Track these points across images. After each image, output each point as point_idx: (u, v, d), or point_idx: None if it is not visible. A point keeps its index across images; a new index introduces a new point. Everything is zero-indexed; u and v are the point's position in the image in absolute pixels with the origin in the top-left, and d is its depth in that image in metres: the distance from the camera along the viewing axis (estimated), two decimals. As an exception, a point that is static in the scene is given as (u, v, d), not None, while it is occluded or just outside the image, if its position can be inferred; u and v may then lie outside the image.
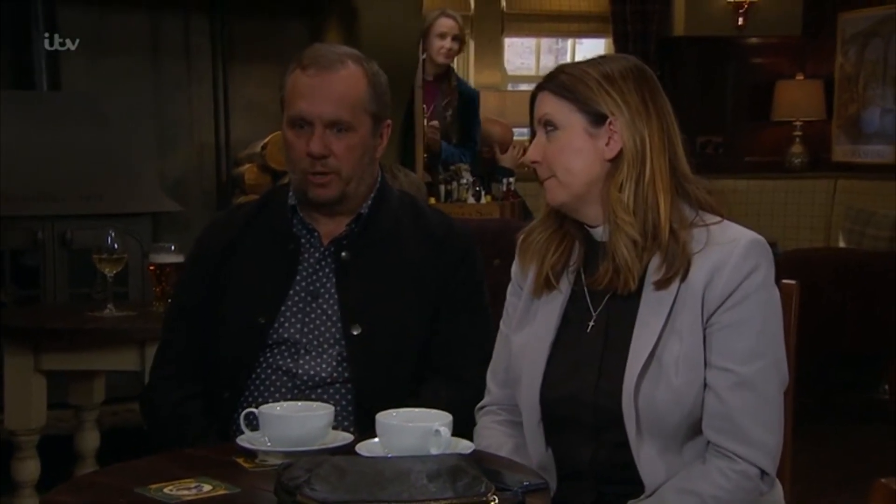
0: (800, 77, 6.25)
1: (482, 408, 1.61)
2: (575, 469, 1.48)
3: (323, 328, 1.70)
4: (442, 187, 4.97)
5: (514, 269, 1.60)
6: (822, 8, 6.24)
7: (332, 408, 1.46)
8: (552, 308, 1.51)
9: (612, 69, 1.48)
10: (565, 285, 1.52)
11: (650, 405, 1.41)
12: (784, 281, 1.73)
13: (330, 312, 1.71)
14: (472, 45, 7.13)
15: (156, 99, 3.97)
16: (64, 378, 2.85)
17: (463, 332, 1.74)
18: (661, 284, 1.43)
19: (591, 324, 1.49)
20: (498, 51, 7.26)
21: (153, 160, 3.89)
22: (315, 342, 1.69)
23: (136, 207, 3.47)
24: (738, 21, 6.37)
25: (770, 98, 6.23)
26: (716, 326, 1.42)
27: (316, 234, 1.75)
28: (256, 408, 1.45)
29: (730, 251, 1.42)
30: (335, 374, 1.68)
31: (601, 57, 1.55)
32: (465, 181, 4.95)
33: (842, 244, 5.50)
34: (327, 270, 1.73)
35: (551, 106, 1.49)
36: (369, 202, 1.77)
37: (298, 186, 1.73)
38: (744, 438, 1.40)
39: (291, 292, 1.72)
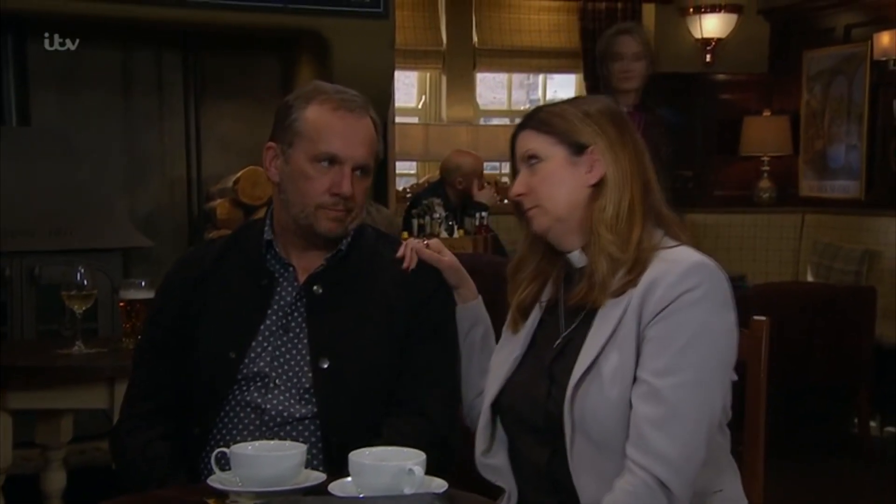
0: (767, 113, 6.35)
1: None
2: (535, 472, 1.54)
3: (293, 362, 1.70)
4: (415, 221, 4.99)
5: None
6: (788, 46, 6.35)
7: (304, 447, 1.45)
8: (522, 334, 1.61)
9: (588, 107, 1.59)
10: (536, 315, 1.62)
11: (585, 414, 1.46)
12: (755, 318, 1.76)
13: (300, 346, 1.71)
14: (444, 79, 7.18)
15: (127, 134, 3.96)
16: (31, 416, 2.81)
17: (429, 366, 1.73)
18: (615, 295, 1.49)
19: (559, 341, 1.56)
20: (470, 85, 7.32)
21: (124, 195, 3.87)
22: (284, 377, 1.69)
23: (106, 243, 3.45)
24: (706, 58, 6.48)
25: (738, 133, 6.31)
26: (645, 340, 1.46)
27: (291, 268, 1.75)
28: (226, 446, 1.44)
29: (669, 269, 1.48)
30: (304, 411, 1.67)
31: (576, 98, 1.69)
32: (437, 215, 4.97)
33: (810, 278, 5.56)
34: (299, 305, 1.73)
35: (533, 141, 1.58)
36: (348, 238, 1.78)
37: (305, 220, 1.72)
38: (644, 447, 1.42)
39: (262, 327, 1.72)
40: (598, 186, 1.54)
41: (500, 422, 1.60)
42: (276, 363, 1.70)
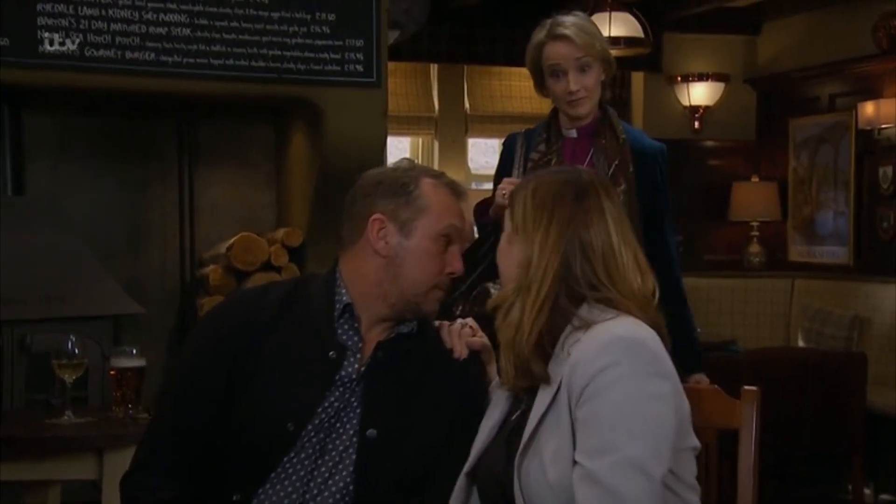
0: (755, 179, 6.42)
1: None
2: None
3: (342, 430, 1.65)
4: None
5: None
6: (774, 114, 6.45)
7: None
8: (504, 396, 1.63)
9: (542, 182, 1.60)
10: None
11: (531, 494, 1.46)
12: (745, 388, 1.77)
13: (353, 415, 1.66)
14: (436, 145, 7.26)
15: (120, 201, 3.98)
16: (18, 486, 2.78)
17: (462, 451, 1.66)
18: (543, 379, 1.50)
19: (517, 413, 1.57)
20: (462, 151, 7.39)
21: (116, 262, 3.87)
22: (332, 445, 1.64)
23: (97, 310, 3.44)
24: (694, 125, 6.57)
25: (727, 199, 6.38)
26: (576, 421, 1.45)
27: (361, 343, 1.69)
28: None
29: (588, 347, 1.47)
30: (346, 481, 1.62)
31: (550, 169, 1.67)
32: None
33: (801, 343, 5.57)
34: (358, 368, 1.68)
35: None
36: None
37: (414, 297, 1.69)
38: None
39: (326, 404, 1.65)
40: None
41: (477, 491, 1.60)
42: (333, 434, 1.65)
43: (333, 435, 1.65)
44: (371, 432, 1.64)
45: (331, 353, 1.67)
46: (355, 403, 1.66)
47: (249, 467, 1.62)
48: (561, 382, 1.47)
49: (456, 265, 1.71)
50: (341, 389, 1.67)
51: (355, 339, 1.69)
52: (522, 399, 1.59)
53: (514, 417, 1.58)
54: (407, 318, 1.71)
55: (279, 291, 1.75)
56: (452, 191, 1.73)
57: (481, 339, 1.76)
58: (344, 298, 1.70)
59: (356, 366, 1.68)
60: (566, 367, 1.47)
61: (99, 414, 2.68)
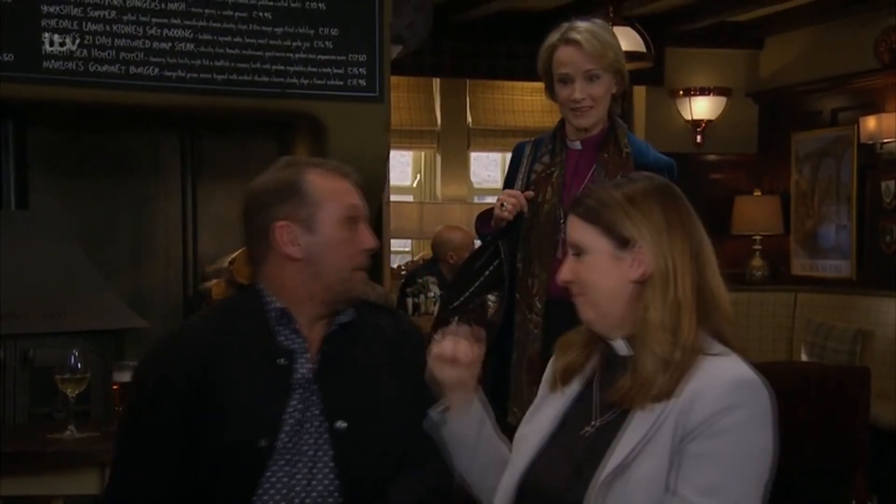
0: (757, 193, 6.42)
1: None
2: None
3: (312, 430, 1.67)
4: (409, 300, 5.00)
5: (549, 364, 1.66)
6: (776, 128, 6.46)
7: None
8: (557, 406, 1.58)
9: (635, 190, 1.55)
10: (575, 387, 1.58)
11: None
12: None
13: (318, 412, 1.68)
14: (438, 158, 7.27)
15: (123, 215, 3.99)
16: (20, 501, 2.78)
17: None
18: (655, 399, 1.46)
19: (589, 429, 1.52)
20: (464, 164, 7.41)
21: (119, 276, 3.88)
22: (305, 447, 1.66)
23: (100, 324, 3.44)
24: (696, 139, 6.58)
25: (729, 212, 6.38)
26: (685, 454, 1.44)
27: (306, 343, 1.72)
28: None
29: (713, 383, 1.45)
30: (326, 482, 1.65)
31: (624, 177, 1.64)
32: (432, 294, 4.98)
33: (804, 357, 5.56)
34: (309, 368, 1.71)
35: (579, 231, 1.56)
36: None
37: (341, 286, 1.71)
38: None
39: (290, 409, 1.68)
40: (643, 282, 1.51)
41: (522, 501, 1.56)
42: (302, 439, 1.67)
43: (305, 438, 1.67)
44: (340, 424, 1.66)
45: (279, 360, 1.69)
46: (317, 401, 1.68)
47: (229, 492, 1.64)
48: (667, 409, 1.45)
49: (369, 241, 1.73)
50: (300, 392, 1.69)
51: (299, 340, 1.72)
52: (592, 413, 1.54)
53: (585, 433, 1.53)
54: (340, 307, 1.74)
55: (213, 318, 1.78)
56: (339, 173, 1.75)
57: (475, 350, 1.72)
58: (275, 304, 1.72)
59: (308, 366, 1.70)
60: (682, 397, 1.44)
61: (101, 428, 2.68)
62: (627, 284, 1.52)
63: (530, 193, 2.48)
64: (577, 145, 2.54)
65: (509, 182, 2.61)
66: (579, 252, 1.56)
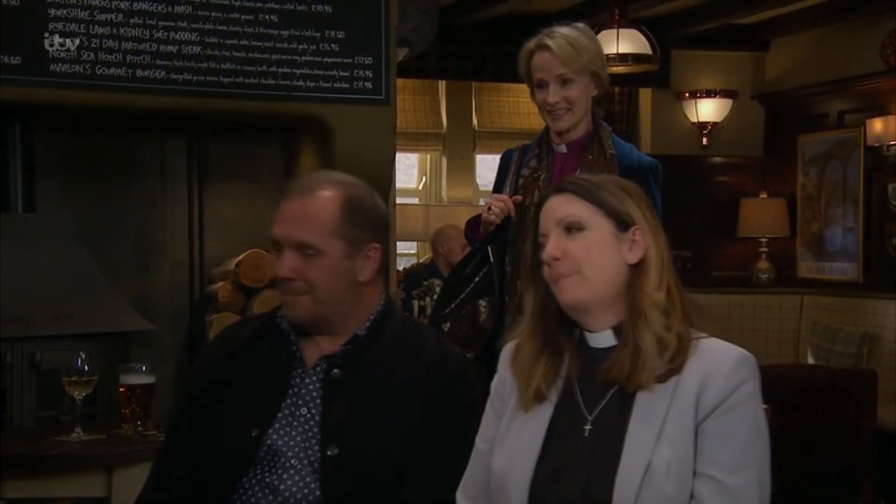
0: (763, 195, 6.42)
1: None
2: None
3: (305, 444, 1.69)
4: (415, 303, 5.00)
5: (496, 382, 1.60)
6: (782, 130, 6.45)
7: None
8: (540, 419, 1.52)
9: (625, 184, 1.57)
10: (554, 395, 1.53)
11: None
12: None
13: (316, 430, 1.69)
14: (444, 161, 7.27)
15: (129, 217, 3.99)
16: (27, 504, 2.78)
17: (438, 457, 1.68)
18: (660, 380, 1.45)
19: (588, 427, 1.49)
20: (470, 167, 7.41)
21: (125, 279, 3.88)
22: (298, 457, 1.68)
23: (106, 327, 3.45)
24: (702, 141, 6.57)
25: (735, 215, 6.37)
26: (704, 434, 1.44)
27: (299, 354, 1.76)
28: None
29: (721, 361, 1.46)
30: (317, 494, 1.66)
31: (603, 176, 1.64)
32: (437, 295, 4.98)
33: (810, 360, 5.55)
34: (319, 386, 1.72)
35: (576, 207, 1.52)
36: (368, 324, 1.75)
37: (284, 311, 1.78)
38: None
39: (283, 405, 1.71)
40: (637, 266, 1.51)
41: None
42: (292, 443, 1.69)
43: (298, 446, 1.68)
44: (332, 449, 1.66)
45: (284, 357, 1.75)
46: (317, 416, 1.70)
47: (220, 480, 1.69)
48: (676, 391, 1.44)
49: (277, 268, 1.73)
50: (298, 394, 1.72)
51: (298, 353, 1.76)
52: (582, 412, 1.50)
53: (586, 432, 1.48)
54: (302, 329, 1.75)
55: (264, 318, 1.84)
56: (287, 199, 1.74)
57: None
58: None
59: (309, 371, 1.73)
60: (693, 379, 1.44)
61: (108, 431, 2.69)
62: (623, 267, 1.51)
63: (518, 198, 2.54)
64: (563, 148, 2.59)
65: (498, 188, 2.67)
66: (573, 228, 1.51)
